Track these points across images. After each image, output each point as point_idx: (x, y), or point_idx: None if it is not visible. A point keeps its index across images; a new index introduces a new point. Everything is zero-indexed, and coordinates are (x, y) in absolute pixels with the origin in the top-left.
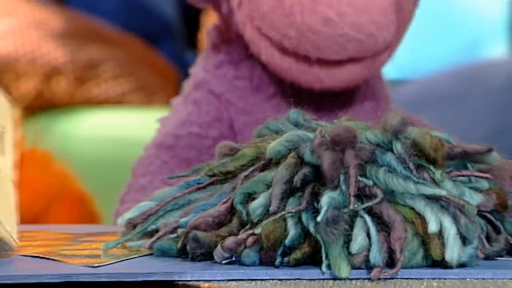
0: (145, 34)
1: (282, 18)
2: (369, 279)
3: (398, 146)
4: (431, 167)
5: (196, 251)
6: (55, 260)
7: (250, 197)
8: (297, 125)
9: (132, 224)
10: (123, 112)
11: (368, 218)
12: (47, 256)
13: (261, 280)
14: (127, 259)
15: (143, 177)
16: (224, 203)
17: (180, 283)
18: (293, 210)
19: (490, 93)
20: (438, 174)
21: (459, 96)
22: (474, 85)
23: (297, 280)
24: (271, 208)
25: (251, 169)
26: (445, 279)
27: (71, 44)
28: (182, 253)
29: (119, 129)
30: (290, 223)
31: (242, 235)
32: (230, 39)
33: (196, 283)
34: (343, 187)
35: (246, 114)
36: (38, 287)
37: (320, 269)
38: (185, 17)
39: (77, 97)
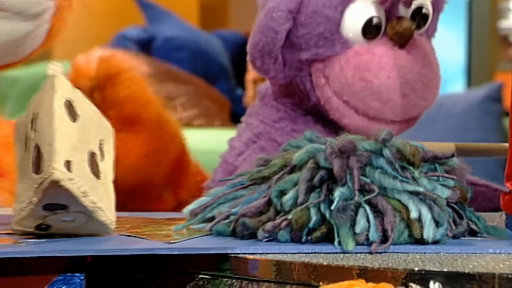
0: (207, 76)
1: (371, 95)
2: (369, 252)
3: (387, 152)
4: (411, 168)
5: (244, 232)
6: (141, 238)
7: (282, 193)
8: (311, 141)
9: (194, 213)
10: (192, 132)
11: (367, 207)
12: (135, 235)
13: (291, 253)
14: (192, 238)
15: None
16: (263, 197)
17: (232, 255)
18: (315, 201)
19: (452, 118)
20: (416, 173)
21: (429, 120)
22: (440, 112)
23: (317, 254)
24: (299, 200)
25: (281, 172)
26: (424, 253)
27: (154, 82)
28: (233, 234)
29: (190, 143)
30: (312, 211)
31: (277, 221)
32: (289, 101)
33: (243, 255)
34: (350, 184)
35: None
36: (130, 258)
37: (333, 245)
38: (235, 63)
39: None
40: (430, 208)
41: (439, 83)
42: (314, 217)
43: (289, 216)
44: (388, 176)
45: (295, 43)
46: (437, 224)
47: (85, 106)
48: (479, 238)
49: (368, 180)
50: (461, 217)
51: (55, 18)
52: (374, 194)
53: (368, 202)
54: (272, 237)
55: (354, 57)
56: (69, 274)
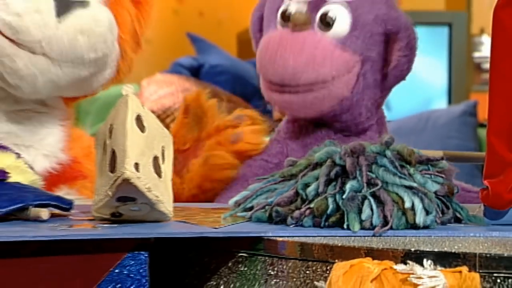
0: (243, 95)
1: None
2: (373, 235)
3: (389, 153)
4: (408, 166)
5: (277, 218)
6: (193, 224)
7: (306, 185)
8: (330, 145)
9: (237, 203)
10: None
11: (371, 199)
12: (188, 222)
13: (313, 236)
14: (235, 224)
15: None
16: (292, 190)
17: (265, 238)
18: (331, 193)
19: (437, 128)
20: (411, 170)
21: (419, 129)
22: (428, 123)
23: (333, 237)
24: (319, 191)
25: (306, 170)
26: (418, 236)
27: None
28: (268, 220)
29: None
30: (330, 200)
31: (302, 209)
32: None
33: (274, 238)
34: (359, 178)
35: (296, 151)
36: (185, 240)
37: (344, 228)
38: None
39: None
40: (422, 200)
41: (317, 62)
42: (331, 205)
43: (312, 205)
44: (389, 172)
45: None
46: (428, 212)
47: (151, 119)
48: (462, 225)
49: (373, 175)
50: (448, 208)
51: (121, 60)
52: (378, 187)
53: (372, 194)
54: (298, 223)
55: (266, 38)
56: (136, 252)
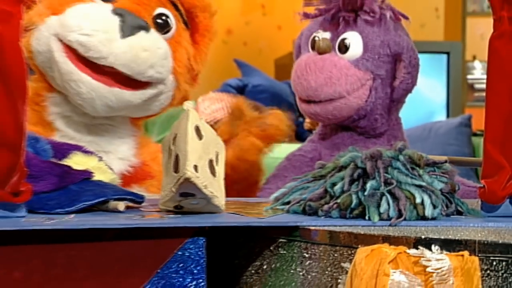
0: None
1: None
2: (389, 225)
3: (401, 158)
4: (417, 168)
5: (309, 211)
6: (241, 215)
7: (333, 184)
8: (353, 151)
9: (277, 199)
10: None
11: (388, 195)
12: (237, 213)
13: (339, 225)
14: (275, 215)
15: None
16: (322, 188)
17: (301, 227)
18: (355, 190)
19: (438, 136)
20: (421, 172)
21: (423, 138)
22: (430, 133)
23: (357, 226)
24: (344, 189)
25: (333, 171)
26: (427, 226)
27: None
28: (302, 213)
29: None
30: (353, 197)
31: (331, 203)
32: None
33: (308, 227)
34: (377, 179)
35: (327, 149)
36: (234, 228)
37: (367, 220)
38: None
39: None
40: (430, 196)
41: (334, 80)
42: (354, 201)
43: (338, 200)
44: (402, 173)
45: None
46: (435, 206)
47: (207, 129)
48: (463, 217)
49: (389, 176)
50: (451, 202)
51: (176, 90)
52: (393, 186)
53: (389, 191)
54: (327, 215)
55: (297, 62)
56: (195, 238)
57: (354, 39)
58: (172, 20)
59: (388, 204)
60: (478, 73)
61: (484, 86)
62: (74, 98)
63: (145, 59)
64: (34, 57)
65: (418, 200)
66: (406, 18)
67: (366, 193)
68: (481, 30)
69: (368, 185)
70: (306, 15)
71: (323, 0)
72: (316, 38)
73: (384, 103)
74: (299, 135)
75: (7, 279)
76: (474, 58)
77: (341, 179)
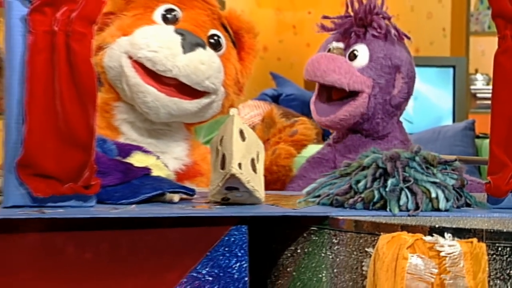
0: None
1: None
2: (408, 215)
3: (417, 159)
4: (432, 167)
5: (336, 204)
6: (279, 206)
7: (358, 181)
8: (374, 152)
9: (308, 193)
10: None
11: (407, 190)
12: (275, 205)
13: (363, 216)
14: (307, 207)
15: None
16: (347, 184)
17: (330, 216)
18: (376, 187)
19: (445, 138)
20: (434, 170)
21: (433, 140)
22: (439, 135)
23: (379, 216)
24: (367, 186)
25: (357, 170)
26: (440, 216)
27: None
28: (330, 205)
29: (304, 153)
30: (375, 192)
31: (355, 198)
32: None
33: (336, 216)
34: (397, 177)
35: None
36: (272, 217)
37: (387, 211)
38: None
39: None
40: (443, 191)
41: (336, 69)
42: (376, 196)
43: (362, 195)
44: (418, 172)
45: None
46: (447, 200)
47: (249, 132)
48: (471, 208)
49: (407, 175)
50: (461, 196)
51: (225, 99)
52: (411, 183)
53: (407, 187)
54: (352, 207)
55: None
56: (239, 225)
57: (362, 50)
58: (223, 40)
59: (407, 198)
60: (480, 84)
61: (485, 95)
62: (141, 107)
63: (203, 71)
64: (106, 72)
65: (433, 195)
66: (408, 38)
67: (387, 189)
68: (482, 47)
69: (389, 182)
70: (323, 28)
71: (339, 16)
72: (331, 47)
73: (384, 109)
74: (326, 136)
75: (79, 259)
76: (477, 71)
77: (364, 177)
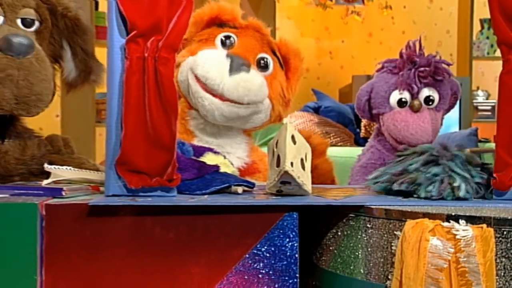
0: (344, 123)
1: (398, 131)
2: (429, 205)
3: (462, 156)
4: (470, 166)
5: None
6: (322, 197)
7: (411, 164)
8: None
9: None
10: (337, 148)
11: (438, 182)
12: (320, 196)
13: (393, 205)
14: (347, 197)
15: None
16: (402, 167)
17: (365, 206)
18: (424, 171)
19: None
20: (471, 169)
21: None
22: (449, 140)
23: (405, 205)
24: (417, 168)
25: (414, 155)
26: (457, 206)
27: (321, 126)
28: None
29: (337, 153)
30: (420, 175)
31: (405, 178)
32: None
33: (370, 206)
34: (441, 166)
35: (388, 151)
36: (317, 206)
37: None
38: (356, 118)
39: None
40: (466, 184)
41: (434, 131)
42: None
43: (411, 175)
44: (458, 167)
45: (371, 105)
46: (467, 192)
47: (299, 137)
48: (481, 199)
49: (450, 165)
50: (481, 190)
51: (272, 111)
52: (447, 174)
53: (441, 180)
54: (401, 187)
55: (393, 115)
56: (291, 212)
57: (434, 94)
58: (270, 62)
59: (434, 186)
60: (481, 98)
61: (485, 107)
62: (201, 110)
63: (243, 89)
64: (179, 85)
65: (456, 184)
66: (449, 65)
67: (427, 175)
68: (482, 69)
69: (433, 170)
70: (382, 69)
71: (400, 62)
72: (403, 99)
73: (441, 123)
74: (357, 141)
75: (164, 238)
76: (478, 88)
77: (416, 161)
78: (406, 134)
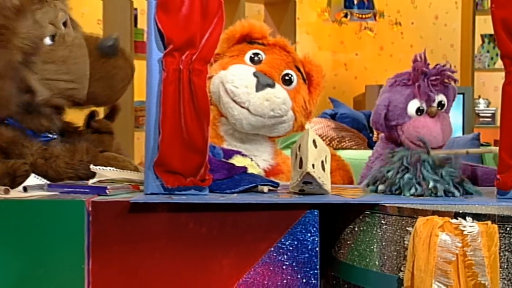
0: (357, 128)
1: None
2: (436, 203)
3: (430, 160)
4: (439, 168)
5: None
6: (341, 195)
7: (388, 171)
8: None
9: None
10: (351, 151)
11: (416, 184)
12: (338, 195)
13: (405, 203)
14: (363, 196)
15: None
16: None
17: (380, 204)
18: (399, 177)
19: (459, 146)
20: (442, 170)
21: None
22: (454, 143)
23: (416, 203)
24: (393, 175)
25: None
26: (462, 204)
27: (338, 131)
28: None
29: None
30: (397, 180)
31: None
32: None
33: (384, 204)
34: (413, 172)
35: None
36: (335, 204)
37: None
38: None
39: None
40: (441, 184)
41: (449, 131)
42: (397, 183)
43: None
44: (428, 171)
45: (388, 118)
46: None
47: (320, 141)
48: (487, 198)
49: (420, 171)
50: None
51: (295, 121)
52: (420, 178)
53: (417, 182)
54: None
55: (413, 122)
56: (312, 209)
57: (444, 99)
58: (294, 78)
59: (416, 189)
60: (482, 106)
61: (486, 114)
62: (230, 118)
63: (267, 105)
64: (211, 95)
65: (430, 185)
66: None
67: (404, 180)
68: (483, 79)
69: (406, 176)
70: (395, 83)
71: (413, 74)
72: (421, 108)
73: None
74: (370, 144)
75: (197, 232)
76: (479, 97)
77: (392, 169)
78: (430, 138)
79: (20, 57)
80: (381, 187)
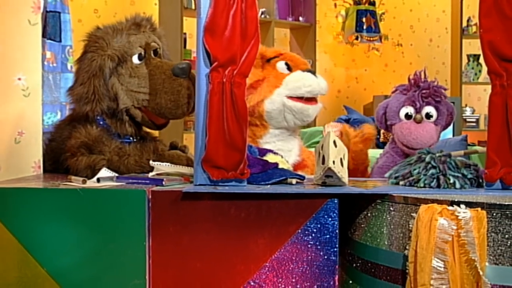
0: None
1: (405, 138)
2: (434, 193)
3: (452, 161)
4: (461, 167)
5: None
6: (357, 187)
7: (415, 169)
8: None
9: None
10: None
11: (435, 179)
12: (354, 186)
13: (409, 192)
14: (375, 188)
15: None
16: (408, 170)
17: (389, 193)
18: (423, 173)
19: (450, 146)
20: (462, 168)
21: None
22: (446, 144)
23: (420, 194)
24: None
25: (417, 162)
26: (456, 194)
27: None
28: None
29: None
30: (422, 177)
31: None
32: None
33: (393, 193)
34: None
35: (399, 156)
36: (353, 194)
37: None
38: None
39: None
40: (459, 181)
41: (430, 138)
42: (422, 179)
43: (414, 177)
44: (450, 169)
45: (386, 118)
46: (461, 185)
47: (339, 142)
48: (476, 189)
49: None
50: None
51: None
52: (443, 173)
53: (437, 177)
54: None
55: (401, 125)
56: (333, 198)
57: (433, 111)
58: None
59: (438, 183)
60: (468, 113)
61: (471, 119)
62: (304, 120)
63: (324, 82)
64: (266, 114)
65: (451, 181)
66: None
67: (428, 175)
68: (469, 91)
69: (430, 172)
70: (396, 91)
71: (408, 85)
72: (409, 113)
73: (438, 135)
74: (377, 144)
75: (237, 217)
76: (466, 105)
77: (419, 167)
78: (409, 139)
79: (110, 64)
80: (402, 183)
